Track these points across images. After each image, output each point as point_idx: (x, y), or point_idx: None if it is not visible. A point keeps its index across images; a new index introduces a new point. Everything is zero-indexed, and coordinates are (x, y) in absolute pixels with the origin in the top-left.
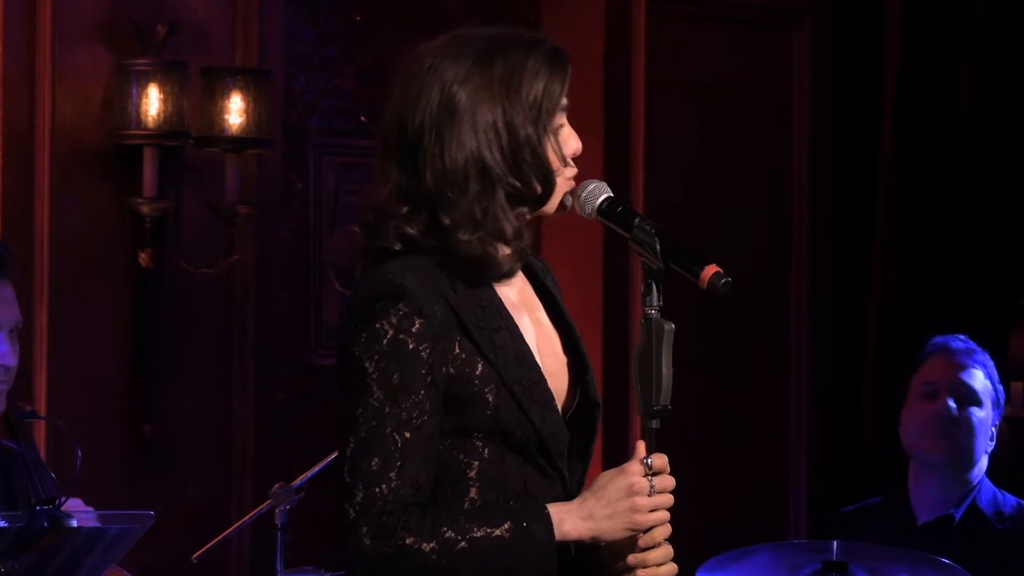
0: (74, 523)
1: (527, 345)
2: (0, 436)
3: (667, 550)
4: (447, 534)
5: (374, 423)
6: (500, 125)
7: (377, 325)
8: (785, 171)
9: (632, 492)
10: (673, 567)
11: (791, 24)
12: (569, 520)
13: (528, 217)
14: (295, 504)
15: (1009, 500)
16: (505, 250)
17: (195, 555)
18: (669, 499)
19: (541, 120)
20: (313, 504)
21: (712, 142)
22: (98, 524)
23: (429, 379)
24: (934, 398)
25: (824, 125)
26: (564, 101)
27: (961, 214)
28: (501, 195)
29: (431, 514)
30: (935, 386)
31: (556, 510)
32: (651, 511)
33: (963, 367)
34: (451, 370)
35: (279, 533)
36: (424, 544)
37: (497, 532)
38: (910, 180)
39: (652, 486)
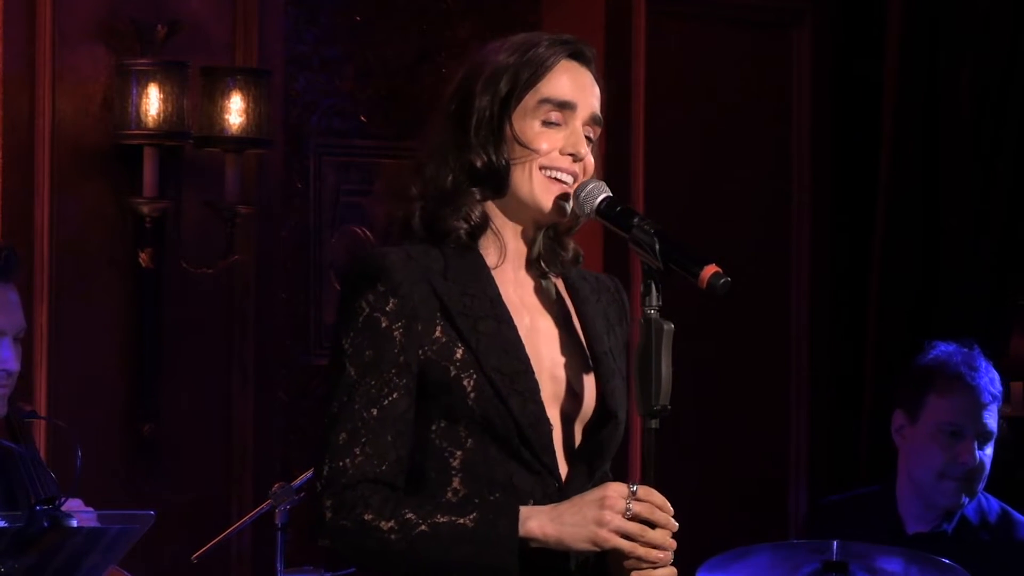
0: (74, 523)
1: (519, 337)
2: (0, 437)
3: None
4: (407, 515)
5: (345, 399)
6: (472, 97)
7: (355, 304)
8: (785, 171)
9: (603, 506)
10: None
11: (791, 24)
12: (536, 519)
13: (479, 199)
14: (295, 504)
15: (993, 506)
16: (453, 223)
17: (195, 555)
18: (645, 530)
19: (510, 98)
20: (313, 504)
21: (712, 142)
22: (98, 524)
23: (401, 359)
24: (957, 438)
25: (824, 125)
26: (561, 91)
27: (961, 214)
28: (454, 164)
29: (397, 496)
30: (959, 427)
31: (527, 509)
32: (620, 534)
33: (985, 405)
34: (429, 354)
35: (279, 533)
36: (383, 522)
37: (461, 521)
38: (910, 180)
39: (628, 509)
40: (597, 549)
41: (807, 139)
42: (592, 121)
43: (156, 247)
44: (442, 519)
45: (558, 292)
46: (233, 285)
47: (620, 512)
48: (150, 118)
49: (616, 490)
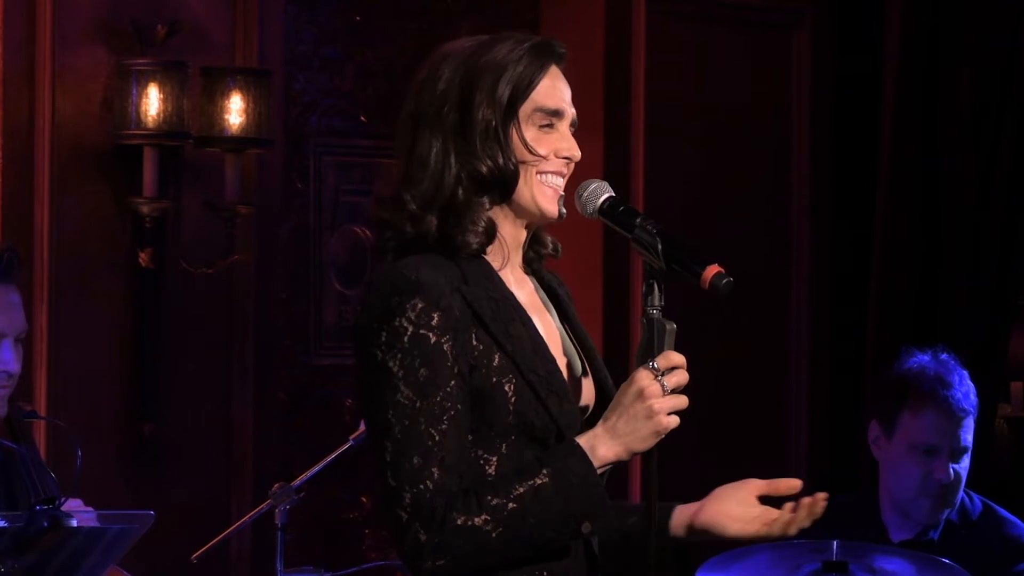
0: (74, 523)
1: (542, 337)
2: (1, 437)
3: None
4: (493, 502)
5: (407, 422)
6: (471, 107)
7: (396, 322)
8: (785, 171)
9: (645, 398)
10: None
11: (791, 24)
12: (600, 444)
13: (488, 208)
14: (295, 504)
15: (976, 503)
16: (470, 237)
17: (195, 555)
18: (684, 400)
19: (513, 106)
20: (313, 504)
21: (712, 142)
22: (98, 524)
23: (456, 370)
24: (932, 455)
25: (824, 125)
26: (552, 99)
27: (961, 214)
28: (457, 174)
29: (474, 491)
30: (933, 446)
31: (586, 439)
32: (671, 412)
33: (960, 421)
34: (471, 362)
35: (279, 533)
36: (475, 519)
37: (538, 481)
38: (910, 180)
39: (664, 387)
40: (662, 438)
41: (807, 139)
42: (573, 124)
43: (156, 247)
44: (522, 488)
45: (532, 282)
46: (233, 285)
47: (661, 394)
48: (150, 118)
49: (645, 377)
